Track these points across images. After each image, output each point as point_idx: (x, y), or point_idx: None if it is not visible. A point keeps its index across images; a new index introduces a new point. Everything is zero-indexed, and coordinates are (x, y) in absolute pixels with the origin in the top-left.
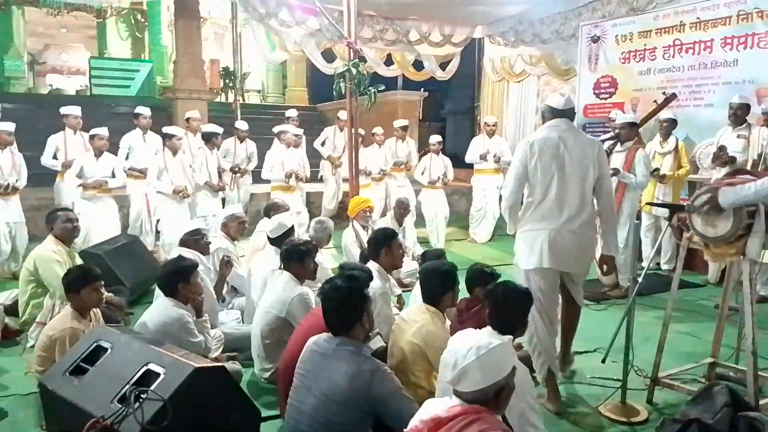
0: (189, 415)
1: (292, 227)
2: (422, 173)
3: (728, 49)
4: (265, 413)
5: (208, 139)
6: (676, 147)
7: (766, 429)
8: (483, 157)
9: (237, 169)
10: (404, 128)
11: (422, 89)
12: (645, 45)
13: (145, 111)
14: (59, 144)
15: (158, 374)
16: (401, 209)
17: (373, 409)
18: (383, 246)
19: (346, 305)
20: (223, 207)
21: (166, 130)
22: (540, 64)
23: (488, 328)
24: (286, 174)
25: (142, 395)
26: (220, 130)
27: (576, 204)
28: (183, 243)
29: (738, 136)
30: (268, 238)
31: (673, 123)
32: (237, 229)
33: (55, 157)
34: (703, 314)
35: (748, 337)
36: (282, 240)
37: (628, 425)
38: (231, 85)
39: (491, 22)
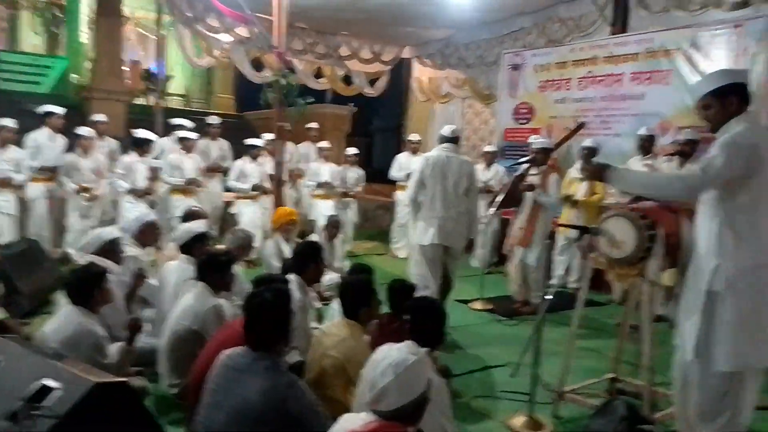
0: None
1: (205, 234)
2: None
3: (636, 84)
4: (172, 431)
5: (139, 145)
6: None
7: None
8: (408, 177)
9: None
10: (319, 130)
11: (351, 104)
12: (561, 75)
13: (58, 110)
14: None
15: (54, 390)
16: (334, 228)
17: (287, 425)
18: (311, 260)
19: (273, 320)
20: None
21: (78, 130)
22: (464, 87)
23: (408, 341)
24: (187, 181)
25: (34, 412)
26: (153, 137)
27: (453, 201)
28: (101, 252)
29: (644, 165)
30: (179, 246)
31: (592, 152)
32: (153, 236)
33: None
34: (606, 331)
35: (645, 354)
36: (192, 247)
37: None
38: (152, 88)
39: (419, 44)
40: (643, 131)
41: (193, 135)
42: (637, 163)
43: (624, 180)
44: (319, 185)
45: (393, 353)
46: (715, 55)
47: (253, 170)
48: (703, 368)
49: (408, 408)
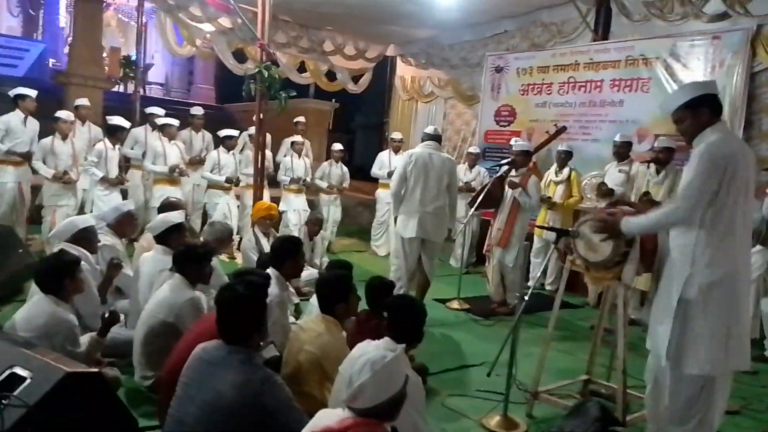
0: (57, 424)
1: (181, 225)
2: (321, 178)
3: (616, 90)
4: (143, 423)
5: (113, 132)
6: (569, 177)
7: None
8: (391, 174)
9: (200, 159)
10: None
11: (333, 100)
12: (543, 79)
13: (30, 93)
14: None
15: (24, 378)
16: (316, 225)
17: (262, 420)
18: (290, 255)
19: (246, 313)
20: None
21: (58, 113)
22: (447, 87)
23: (386, 338)
24: (170, 168)
25: (3, 401)
26: (126, 124)
27: (433, 196)
28: (75, 239)
29: (620, 171)
30: (153, 236)
31: (568, 155)
32: (131, 227)
33: None
34: (581, 334)
35: (619, 357)
36: (169, 238)
37: None
38: (132, 75)
39: (404, 43)
40: (618, 138)
41: (173, 121)
42: (613, 169)
43: (637, 228)
44: (293, 180)
45: (371, 350)
46: (693, 65)
47: (227, 162)
48: (675, 372)
49: (384, 405)
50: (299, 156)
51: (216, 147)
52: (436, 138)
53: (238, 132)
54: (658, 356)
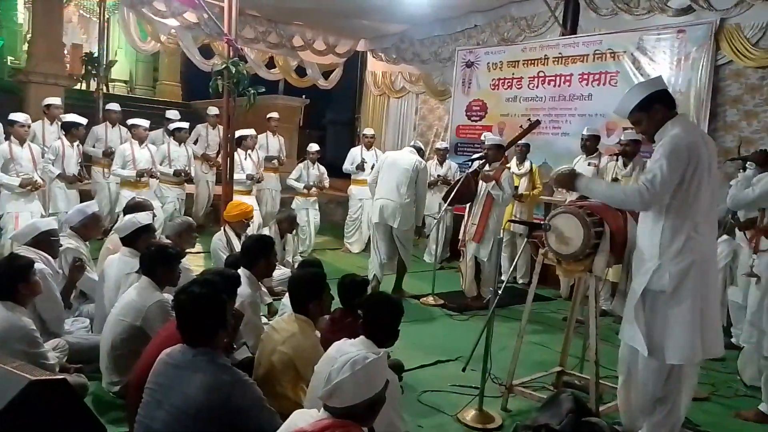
0: None
1: (150, 226)
2: (297, 180)
3: (584, 84)
4: (111, 430)
5: (68, 129)
6: (531, 170)
7: None
8: (360, 167)
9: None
10: (278, 120)
11: (304, 96)
12: (513, 74)
13: None
14: None
15: None
16: (290, 224)
17: (233, 422)
18: (262, 255)
19: (204, 314)
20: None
21: (12, 116)
22: (419, 82)
23: (362, 337)
24: (138, 173)
25: None
26: (82, 120)
27: (394, 187)
28: (36, 242)
29: (589, 164)
30: (120, 238)
31: (527, 147)
32: (96, 229)
33: None
34: (553, 326)
35: (591, 348)
36: (136, 240)
37: None
38: (94, 72)
39: (374, 38)
40: (585, 132)
41: (142, 122)
42: (582, 163)
43: (589, 189)
44: (249, 177)
45: (348, 348)
46: (659, 59)
47: (178, 154)
48: (646, 361)
49: (361, 407)
50: (253, 149)
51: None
52: (417, 149)
53: (188, 124)
54: (631, 347)
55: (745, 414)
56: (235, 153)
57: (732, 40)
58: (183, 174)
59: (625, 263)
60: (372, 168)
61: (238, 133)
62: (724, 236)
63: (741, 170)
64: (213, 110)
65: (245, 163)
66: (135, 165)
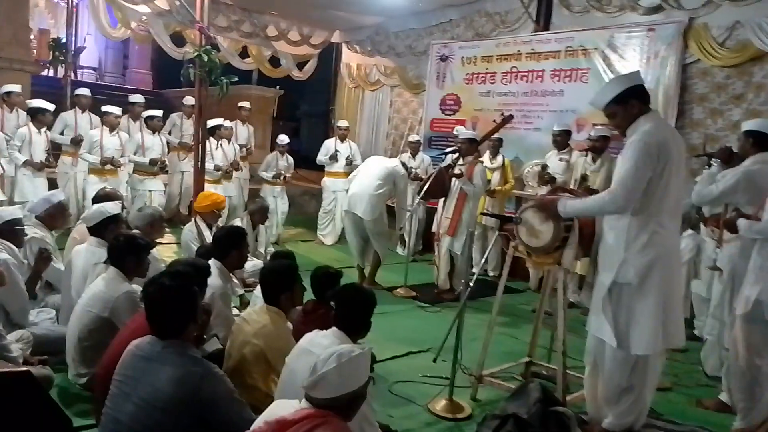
0: None
1: (118, 216)
2: (266, 170)
3: (556, 80)
4: (78, 422)
5: (34, 115)
6: (503, 164)
7: (571, 421)
8: (333, 158)
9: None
10: (249, 110)
11: (278, 87)
12: (486, 69)
13: None
14: None
15: None
16: (261, 214)
17: (202, 414)
18: (234, 246)
19: (176, 306)
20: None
21: None
22: (394, 75)
23: (334, 328)
24: (102, 161)
25: None
26: (49, 106)
27: (369, 177)
28: (0, 232)
29: (560, 159)
30: (88, 228)
31: (500, 142)
32: (62, 219)
33: None
34: (523, 317)
35: (559, 339)
36: (104, 230)
37: (453, 421)
38: (62, 59)
39: (350, 29)
40: (556, 127)
41: (115, 110)
42: (554, 158)
43: (572, 210)
44: (216, 168)
45: (320, 340)
46: (629, 57)
47: (152, 143)
48: (612, 352)
49: (343, 400)
50: (228, 141)
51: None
52: (403, 164)
53: (161, 112)
54: (598, 338)
55: (706, 403)
56: (207, 142)
57: (700, 40)
58: (159, 163)
59: (592, 256)
60: (345, 159)
61: (211, 123)
62: (689, 231)
63: (706, 166)
64: (189, 100)
65: (215, 153)
66: (102, 152)
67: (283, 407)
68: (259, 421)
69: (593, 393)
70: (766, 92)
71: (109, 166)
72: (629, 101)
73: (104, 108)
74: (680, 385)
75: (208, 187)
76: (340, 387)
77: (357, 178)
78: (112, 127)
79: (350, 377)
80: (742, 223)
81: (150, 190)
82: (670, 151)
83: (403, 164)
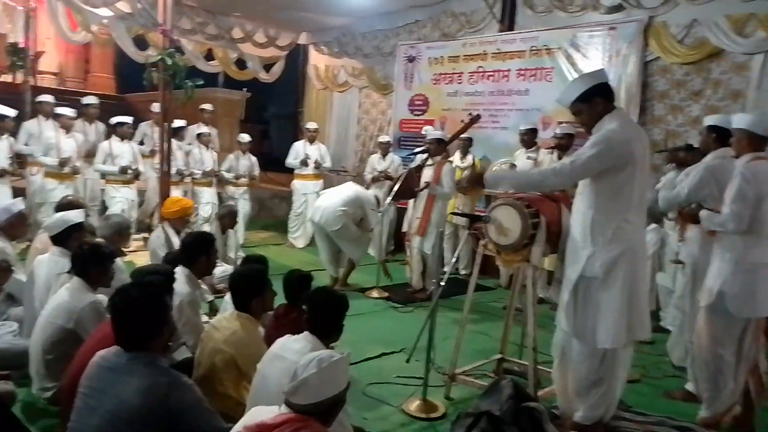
0: None
1: (81, 224)
2: (228, 170)
3: (521, 80)
4: None
5: None
6: (473, 163)
7: (543, 416)
8: (304, 163)
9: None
10: (212, 112)
11: (245, 89)
12: (454, 69)
13: None
14: None
15: None
16: (229, 218)
17: (171, 425)
18: (202, 252)
19: (144, 319)
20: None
21: None
22: (362, 76)
23: (306, 333)
24: (60, 162)
25: None
26: (10, 112)
27: (336, 200)
28: None
29: (528, 157)
30: (51, 237)
31: (469, 142)
32: (22, 228)
33: None
34: (494, 314)
35: (529, 335)
36: (67, 239)
37: (427, 421)
38: (20, 64)
39: (316, 30)
40: (522, 126)
41: (69, 112)
42: (522, 156)
43: (501, 182)
44: (205, 174)
45: (292, 345)
46: (592, 55)
47: (122, 151)
48: (580, 346)
49: (324, 405)
50: (207, 147)
51: (108, 137)
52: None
53: (131, 119)
54: (567, 333)
55: (673, 393)
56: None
57: (659, 38)
58: (130, 171)
59: (560, 252)
60: (315, 163)
61: (176, 124)
62: (653, 225)
63: (667, 162)
64: (156, 107)
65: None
66: (59, 153)
67: (262, 413)
68: (239, 427)
69: (563, 386)
70: (723, 88)
71: (67, 169)
72: (593, 99)
73: (57, 110)
74: (648, 376)
75: (174, 192)
76: (321, 392)
77: (327, 194)
78: (67, 129)
79: (331, 382)
80: (703, 214)
81: (125, 198)
82: (634, 149)
83: (376, 197)
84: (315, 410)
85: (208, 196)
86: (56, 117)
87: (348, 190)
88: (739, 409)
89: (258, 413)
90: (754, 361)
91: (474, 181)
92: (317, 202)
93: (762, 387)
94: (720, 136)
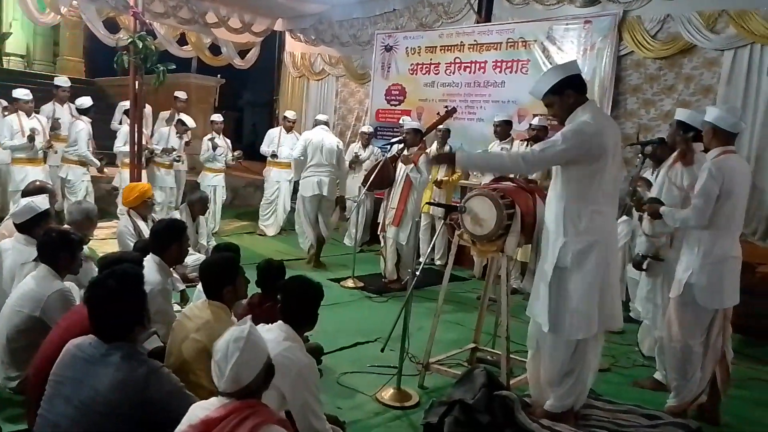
0: None
1: (48, 212)
2: (204, 154)
3: (498, 71)
4: (8, 429)
5: None
6: None
7: (515, 404)
8: (274, 156)
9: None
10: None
11: (219, 75)
12: (431, 59)
13: None
14: None
15: None
16: (203, 206)
17: (150, 415)
18: (173, 240)
19: (123, 310)
20: None
21: None
22: (339, 65)
23: (280, 322)
24: (28, 136)
25: None
26: None
27: (326, 165)
28: None
29: (502, 149)
30: (15, 224)
31: (447, 133)
32: None
33: None
34: (468, 305)
35: (503, 325)
36: (34, 226)
37: (401, 409)
38: None
39: (293, 17)
40: (497, 118)
41: (23, 95)
42: (496, 148)
43: (470, 161)
44: (165, 150)
45: (265, 334)
46: (567, 48)
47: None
48: (553, 337)
49: (258, 379)
50: (219, 134)
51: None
52: (326, 123)
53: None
54: (540, 323)
55: (642, 382)
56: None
57: (633, 32)
58: (37, 135)
59: (534, 243)
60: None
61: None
62: (624, 217)
63: (639, 155)
64: (182, 94)
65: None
66: (24, 136)
67: (202, 408)
68: (183, 425)
69: (536, 376)
70: (695, 83)
71: (38, 144)
72: (565, 92)
73: (14, 94)
74: (618, 366)
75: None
76: (254, 368)
77: (315, 166)
78: (27, 112)
79: (257, 354)
80: (665, 210)
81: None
82: (604, 143)
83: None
84: (252, 388)
85: (168, 180)
86: (13, 101)
87: (328, 153)
88: (705, 398)
89: (199, 409)
90: (721, 351)
91: (441, 159)
92: (313, 177)
93: (728, 376)
94: (686, 132)
